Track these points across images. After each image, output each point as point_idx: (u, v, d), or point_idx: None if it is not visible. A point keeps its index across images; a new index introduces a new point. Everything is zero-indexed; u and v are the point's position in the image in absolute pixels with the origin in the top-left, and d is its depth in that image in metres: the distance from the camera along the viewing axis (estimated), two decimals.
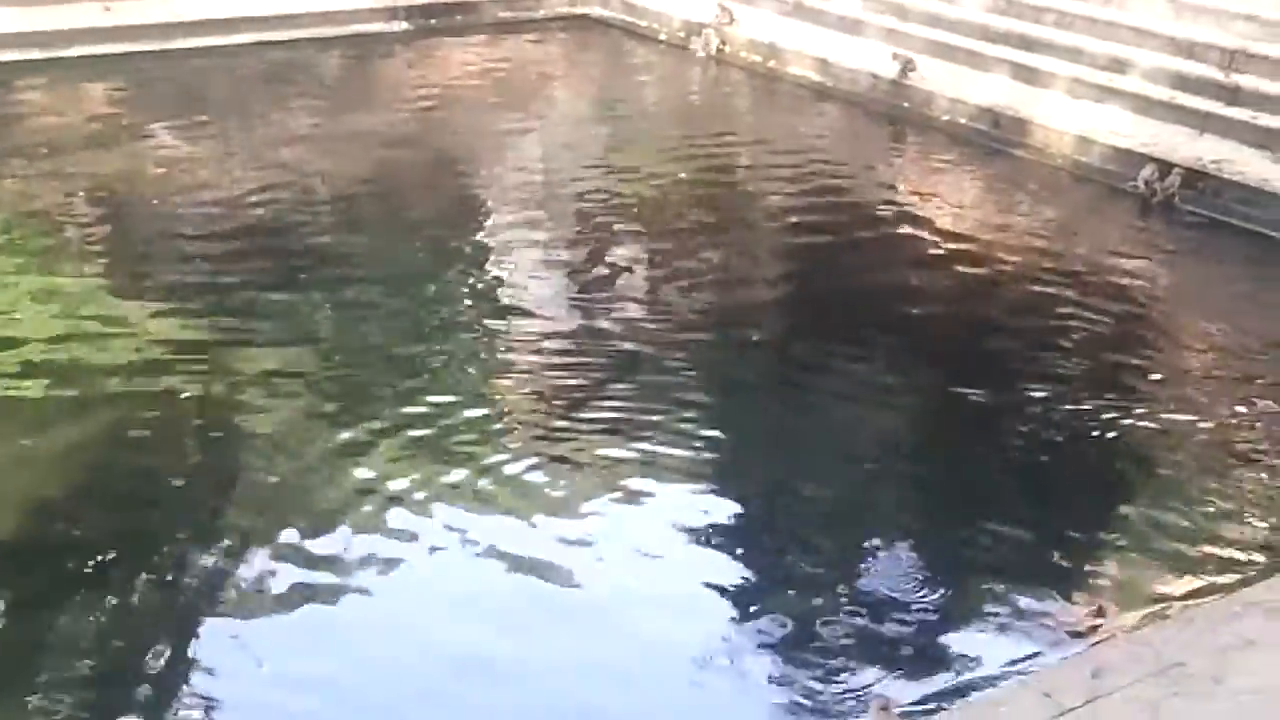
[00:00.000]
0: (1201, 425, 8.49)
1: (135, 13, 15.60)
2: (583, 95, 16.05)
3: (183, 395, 8.22)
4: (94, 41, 15.02)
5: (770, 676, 6.28)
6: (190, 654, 6.28)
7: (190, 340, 8.92)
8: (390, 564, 6.89)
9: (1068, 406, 8.63)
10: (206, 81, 14.71)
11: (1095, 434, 8.33)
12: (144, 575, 6.72)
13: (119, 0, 15.77)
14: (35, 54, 14.71)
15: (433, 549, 7.02)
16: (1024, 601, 6.75)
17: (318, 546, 6.99)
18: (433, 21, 17.18)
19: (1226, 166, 12.09)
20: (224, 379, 8.46)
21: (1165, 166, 12.08)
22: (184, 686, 6.07)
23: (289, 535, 7.05)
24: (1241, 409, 8.72)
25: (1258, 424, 8.53)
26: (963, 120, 14.00)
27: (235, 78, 14.92)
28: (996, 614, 6.68)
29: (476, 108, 14.75)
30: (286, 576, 6.77)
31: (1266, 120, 12.61)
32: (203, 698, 6.01)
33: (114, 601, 6.53)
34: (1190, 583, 6.89)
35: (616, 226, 11.55)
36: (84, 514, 7.19)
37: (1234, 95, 12.97)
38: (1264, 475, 7.95)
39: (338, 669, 6.17)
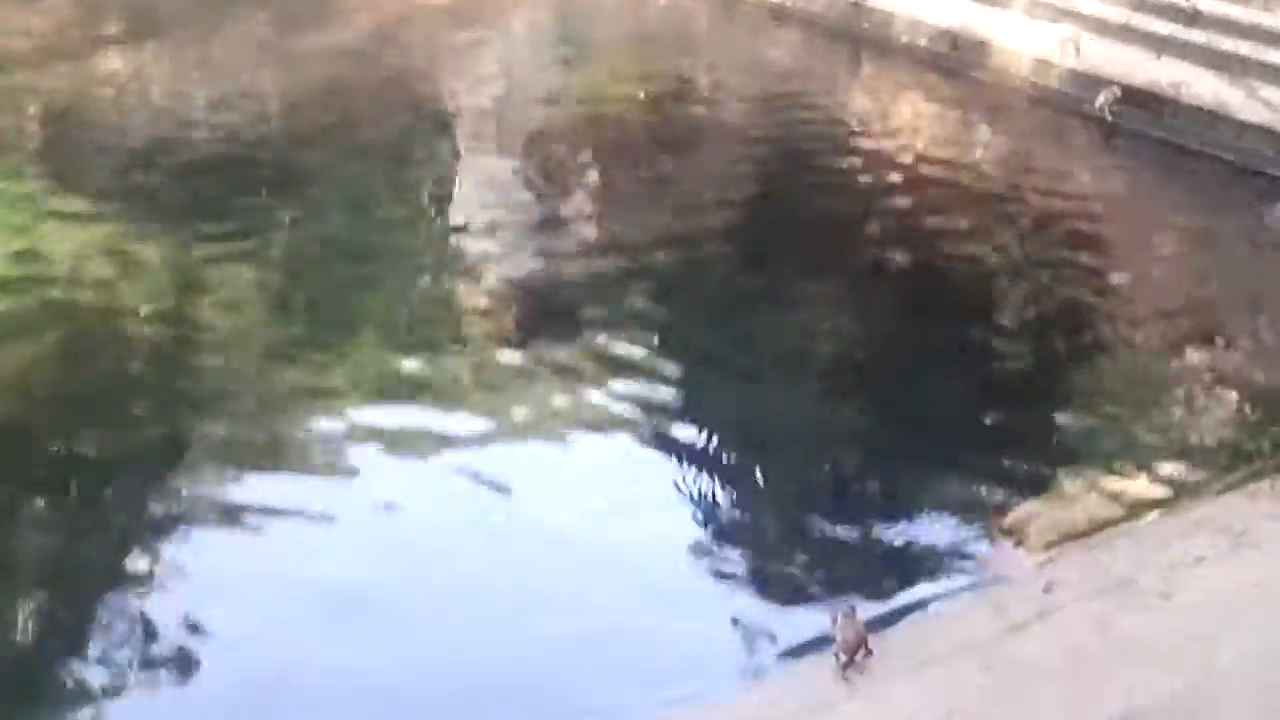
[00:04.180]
0: (1145, 349, 8.58)
1: None
2: (537, 13, 15.86)
3: (132, 311, 8.15)
4: None
5: (728, 594, 6.30)
6: (130, 575, 6.26)
7: (140, 256, 8.80)
8: (346, 479, 6.93)
9: (1012, 331, 8.71)
10: None
11: (1040, 356, 8.42)
12: (84, 493, 6.68)
13: None
14: None
15: (385, 467, 7.01)
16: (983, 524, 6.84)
17: (272, 465, 7.00)
18: None
19: (1184, 90, 12.08)
20: (174, 294, 8.40)
21: (1123, 89, 12.08)
22: (125, 606, 6.04)
23: (241, 450, 7.06)
24: (1187, 333, 8.78)
25: (1201, 347, 8.59)
26: (921, 43, 13.92)
27: None
28: (956, 534, 6.71)
29: (430, 25, 14.55)
30: (238, 494, 6.77)
31: (1225, 44, 12.61)
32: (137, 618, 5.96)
33: (54, 518, 6.51)
34: (1142, 500, 6.95)
35: (571, 146, 11.46)
36: (30, 431, 7.10)
37: (1193, 19, 12.96)
38: (1212, 398, 8.03)
39: (289, 593, 6.12)
